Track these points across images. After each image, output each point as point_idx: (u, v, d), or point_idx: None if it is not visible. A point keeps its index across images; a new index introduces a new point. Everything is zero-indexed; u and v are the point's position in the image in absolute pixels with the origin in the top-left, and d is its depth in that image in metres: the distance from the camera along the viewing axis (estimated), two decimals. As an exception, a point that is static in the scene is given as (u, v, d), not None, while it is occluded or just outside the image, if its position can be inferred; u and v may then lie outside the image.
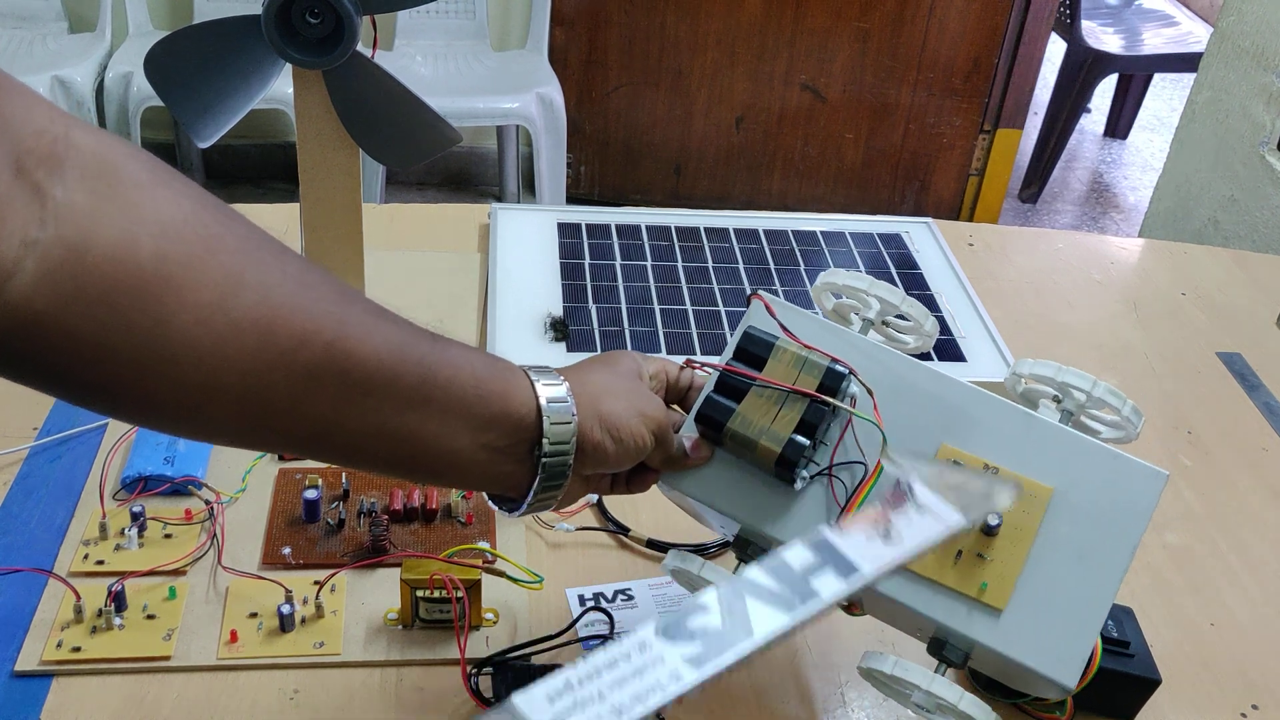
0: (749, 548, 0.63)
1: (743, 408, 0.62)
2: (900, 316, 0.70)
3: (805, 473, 0.61)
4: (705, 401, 0.63)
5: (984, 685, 0.71)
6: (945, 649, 0.60)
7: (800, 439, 0.61)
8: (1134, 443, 0.66)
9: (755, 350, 0.64)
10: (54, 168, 0.43)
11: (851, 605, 0.64)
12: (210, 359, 0.47)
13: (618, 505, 0.83)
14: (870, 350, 0.64)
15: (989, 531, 0.59)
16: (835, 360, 0.62)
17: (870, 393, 0.62)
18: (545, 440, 0.57)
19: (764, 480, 0.62)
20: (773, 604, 0.43)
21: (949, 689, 0.57)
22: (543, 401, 0.57)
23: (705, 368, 0.66)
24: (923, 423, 0.62)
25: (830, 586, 0.44)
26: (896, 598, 0.59)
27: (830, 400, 0.61)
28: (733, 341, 0.65)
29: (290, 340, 0.49)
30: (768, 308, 0.65)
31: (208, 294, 0.46)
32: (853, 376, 0.62)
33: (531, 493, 0.58)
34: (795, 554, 0.45)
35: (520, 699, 0.36)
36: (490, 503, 0.62)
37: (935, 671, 0.59)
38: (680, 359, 0.68)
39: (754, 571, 0.44)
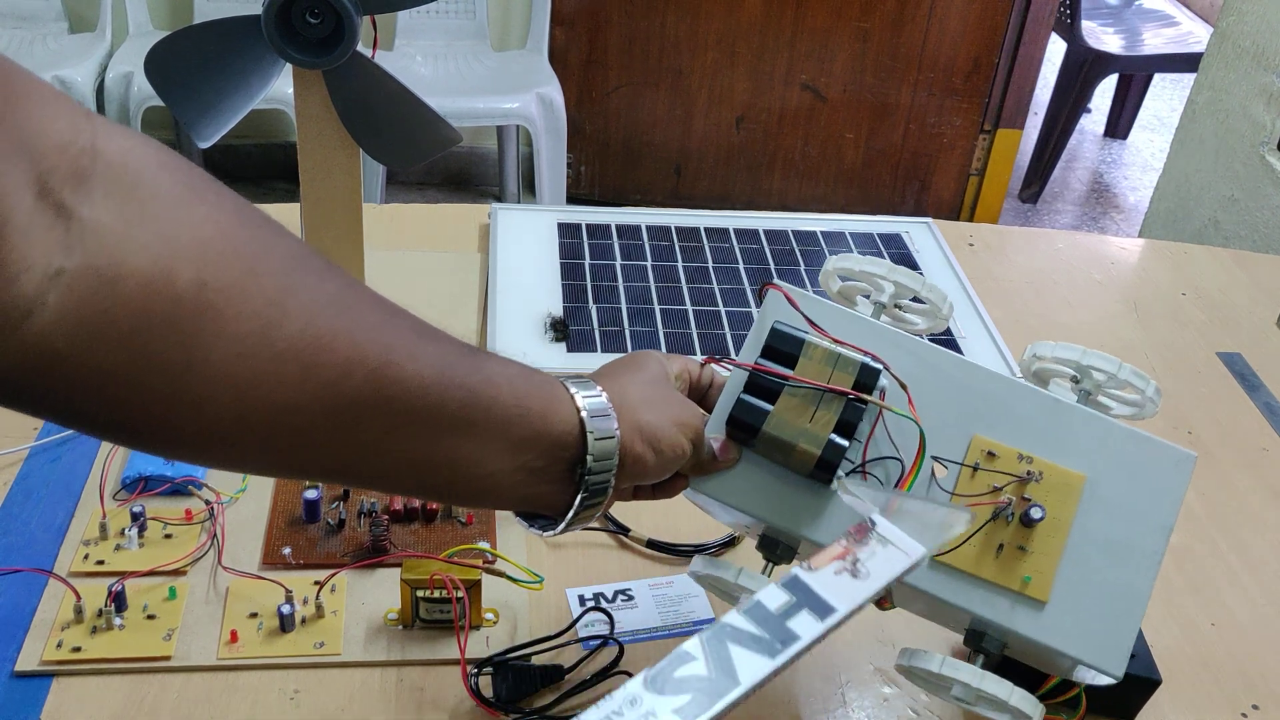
0: (778, 548, 0.62)
1: (777, 409, 0.60)
2: (916, 299, 0.69)
3: (840, 472, 0.60)
4: (738, 404, 0.61)
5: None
6: (984, 640, 0.59)
7: (840, 440, 0.59)
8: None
9: (785, 348, 0.62)
10: (80, 184, 0.39)
11: (882, 600, 0.63)
12: (249, 394, 0.44)
13: (619, 506, 0.83)
14: (895, 339, 0.63)
15: (1029, 523, 0.58)
16: (867, 354, 0.61)
17: (904, 387, 0.61)
18: (589, 457, 0.55)
19: (794, 480, 0.61)
20: (754, 648, 0.43)
21: (999, 685, 0.56)
22: (585, 416, 0.55)
23: (728, 365, 0.64)
24: (953, 413, 0.61)
25: (808, 628, 0.45)
26: (938, 594, 0.59)
27: (867, 398, 0.60)
28: (756, 337, 0.63)
29: (334, 370, 0.46)
30: (790, 300, 0.63)
31: (249, 324, 0.43)
32: (884, 372, 0.61)
33: (572, 511, 0.56)
34: (770, 595, 0.46)
35: None
36: (521, 523, 0.60)
37: (968, 661, 0.58)
38: (699, 357, 0.66)
39: (732, 616, 0.44)
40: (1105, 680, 0.59)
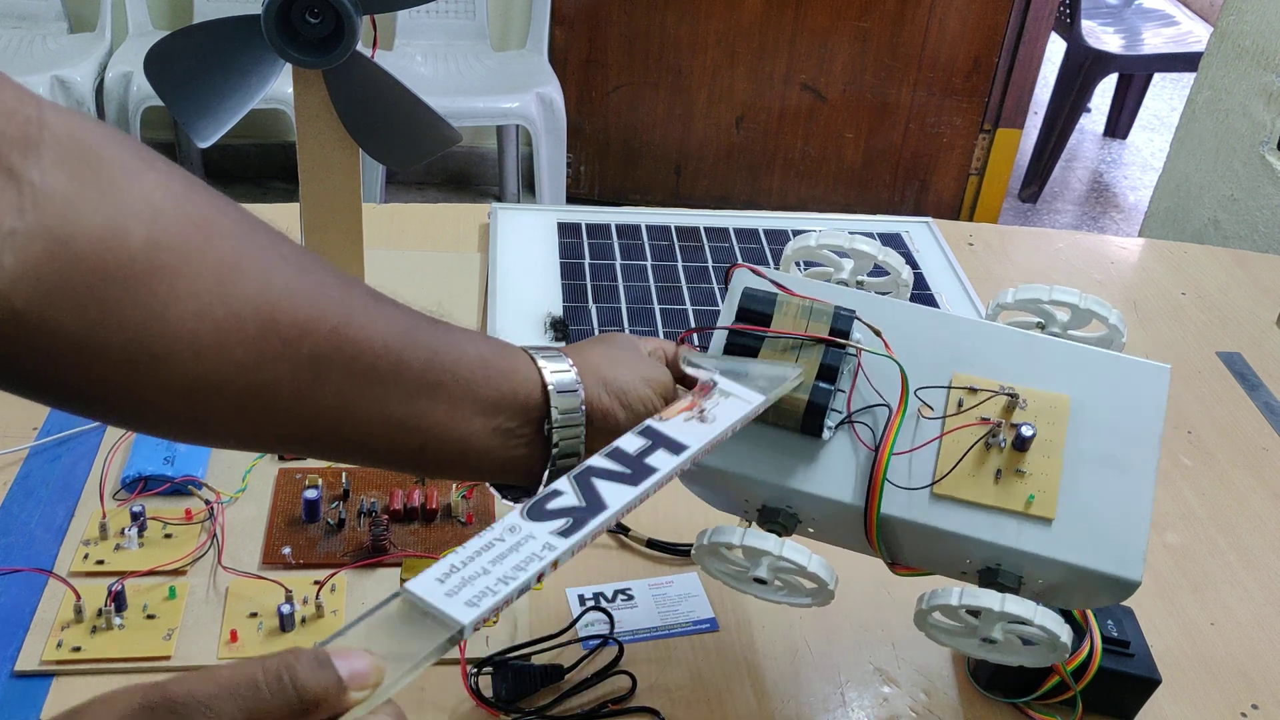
0: (779, 515, 0.62)
1: None
2: (877, 270, 0.70)
3: (829, 422, 0.60)
4: None
5: (985, 685, 0.71)
6: (999, 576, 0.59)
7: (825, 385, 0.60)
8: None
9: (758, 308, 0.62)
10: (28, 150, 0.40)
11: (895, 564, 0.63)
12: (209, 353, 0.44)
13: (618, 505, 0.83)
14: (862, 300, 0.64)
15: (1022, 446, 0.59)
16: (838, 306, 0.62)
17: (878, 333, 0.62)
18: (554, 410, 0.55)
19: (785, 439, 0.61)
20: (618, 480, 0.47)
21: (1023, 605, 0.56)
22: (547, 375, 0.56)
23: (700, 359, 0.64)
24: (930, 359, 0.62)
25: (665, 462, 0.49)
26: (947, 527, 0.58)
27: (845, 342, 0.61)
28: (728, 310, 0.64)
29: (293, 329, 0.47)
30: (756, 272, 0.65)
31: (205, 282, 0.44)
32: (856, 321, 0.62)
33: (547, 471, 0.56)
34: (627, 442, 0.50)
35: (412, 585, 0.39)
36: (497, 493, 0.60)
37: None
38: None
39: (594, 459, 0.48)
40: (1121, 594, 0.58)
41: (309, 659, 0.35)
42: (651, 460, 0.49)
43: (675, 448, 0.50)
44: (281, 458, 0.83)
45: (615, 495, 0.46)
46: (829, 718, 0.70)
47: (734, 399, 0.55)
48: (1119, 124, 3.74)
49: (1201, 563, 0.85)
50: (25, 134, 0.41)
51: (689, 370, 0.60)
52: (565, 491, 0.46)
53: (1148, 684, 0.69)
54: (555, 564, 0.42)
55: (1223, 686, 0.74)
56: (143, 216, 0.43)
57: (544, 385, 0.56)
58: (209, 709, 0.33)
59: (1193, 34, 3.30)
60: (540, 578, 0.42)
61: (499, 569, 0.41)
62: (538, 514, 0.44)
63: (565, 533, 0.43)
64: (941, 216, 2.35)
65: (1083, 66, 3.11)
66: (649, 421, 0.52)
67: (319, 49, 0.80)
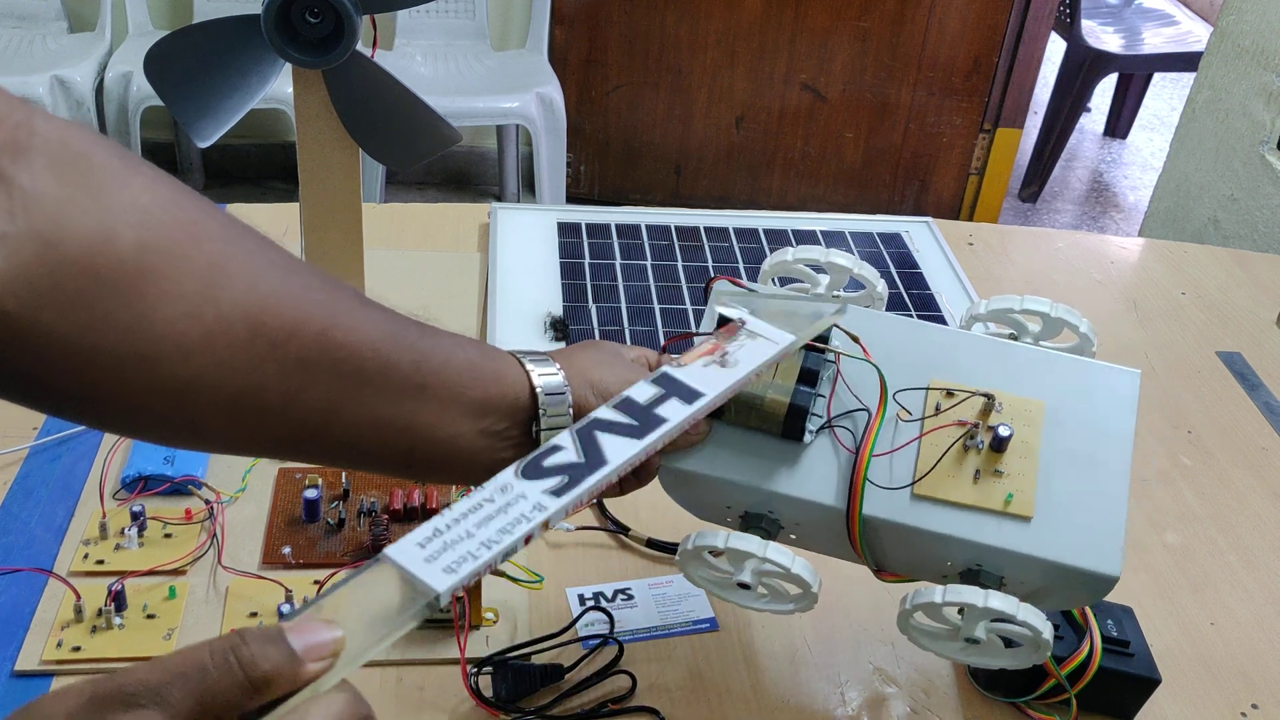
0: (762, 521, 0.62)
1: None
2: (853, 284, 0.71)
3: (810, 426, 0.61)
4: None
5: (984, 685, 0.71)
6: (980, 577, 0.59)
7: (806, 389, 0.61)
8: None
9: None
10: (18, 155, 0.41)
11: (880, 570, 0.63)
12: (198, 355, 0.45)
13: (617, 505, 0.83)
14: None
15: (999, 446, 0.60)
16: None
17: (855, 339, 0.62)
18: (542, 412, 0.56)
19: (767, 444, 0.62)
20: (623, 434, 0.45)
21: (1006, 601, 0.57)
22: (534, 378, 0.56)
23: (682, 361, 0.65)
24: (907, 366, 0.63)
25: (676, 412, 0.47)
26: (928, 527, 0.59)
27: (825, 346, 0.62)
28: (709, 315, 0.65)
29: (281, 331, 0.47)
30: (735, 283, 0.66)
31: (193, 285, 0.44)
32: (836, 328, 0.62)
33: None
34: (639, 391, 0.48)
35: (392, 550, 0.38)
36: None
37: None
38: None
39: (601, 410, 0.46)
40: (1101, 591, 0.59)
41: (257, 637, 0.35)
42: (662, 410, 0.47)
43: (689, 396, 0.48)
44: (281, 457, 0.83)
45: (617, 449, 0.45)
46: (829, 718, 0.70)
47: (761, 340, 0.53)
48: (1119, 124, 3.74)
49: (1201, 563, 0.85)
50: (15, 139, 0.41)
51: (721, 311, 0.60)
52: (565, 446, 0.44)
53: (1147, 684, 0.69)
54: (546, 524, 0.41)
55: (1223, 686, 0.74)
56: (131, 220, 0.43)
57: (532, 388, 0.56)
58: (159, 695, 0.33)
59: (1193, 34, 3.30)
60: (529, 540, 0.41)
61: (484, 532, 0.40)
62: (533, 472, 0.43)
63: (558, 491, 0.42)
64: (941, 216, 2.35)
65: (1083, 66, 3.11)
66: (665, 368, 0.50)
67: (319, 49, 0.80)
